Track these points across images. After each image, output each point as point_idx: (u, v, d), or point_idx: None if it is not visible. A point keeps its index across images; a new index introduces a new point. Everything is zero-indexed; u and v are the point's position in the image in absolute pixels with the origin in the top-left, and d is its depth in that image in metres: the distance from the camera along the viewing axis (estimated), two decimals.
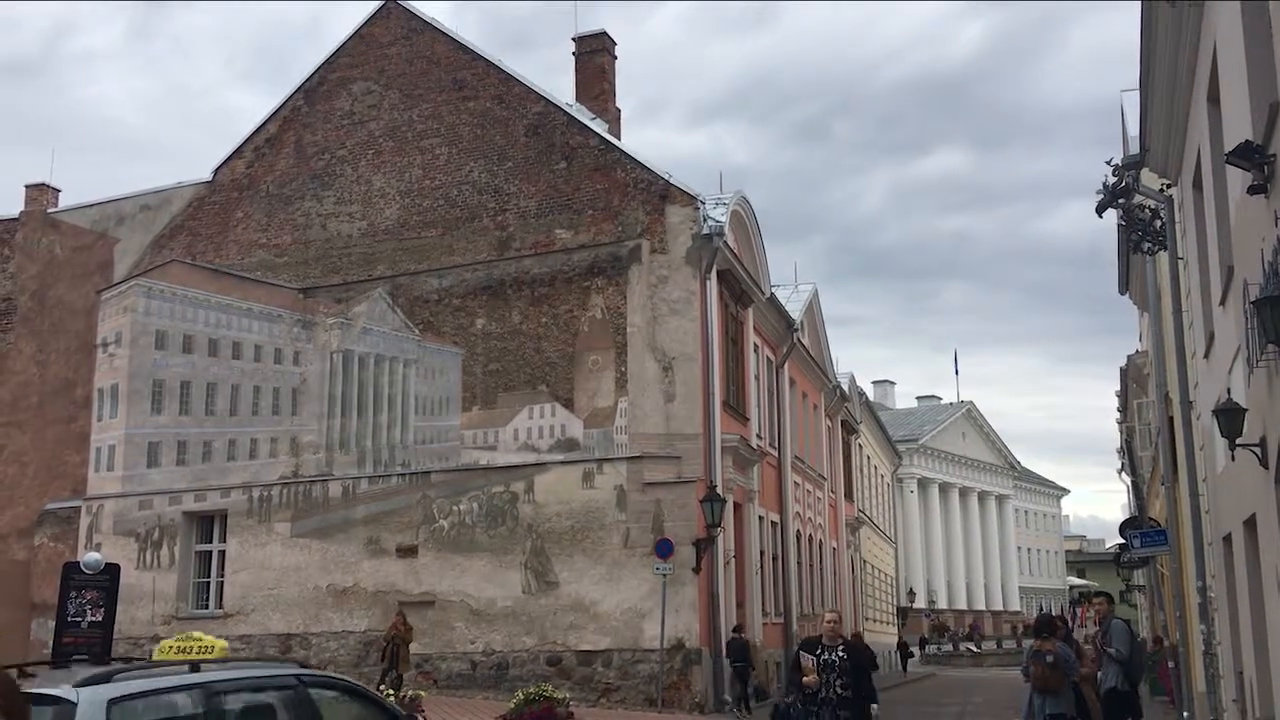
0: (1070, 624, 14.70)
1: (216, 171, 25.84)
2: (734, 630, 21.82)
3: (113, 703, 5.66)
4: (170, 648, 8.47)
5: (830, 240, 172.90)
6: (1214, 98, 9.46)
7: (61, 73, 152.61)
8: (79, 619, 17.13)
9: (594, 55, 26.96)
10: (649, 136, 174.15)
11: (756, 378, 26.51)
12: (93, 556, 18.33)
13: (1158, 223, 14.29)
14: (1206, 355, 11.93)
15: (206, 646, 8.47)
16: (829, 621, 10.26)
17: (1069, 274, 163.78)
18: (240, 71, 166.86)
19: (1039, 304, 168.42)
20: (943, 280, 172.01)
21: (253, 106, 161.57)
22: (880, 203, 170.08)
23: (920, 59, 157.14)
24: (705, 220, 21.71)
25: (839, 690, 9.70)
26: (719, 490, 20.95)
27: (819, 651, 9.89)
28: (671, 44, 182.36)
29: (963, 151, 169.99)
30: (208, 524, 24.72)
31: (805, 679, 9.74)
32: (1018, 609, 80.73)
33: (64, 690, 5.65)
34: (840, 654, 9.87)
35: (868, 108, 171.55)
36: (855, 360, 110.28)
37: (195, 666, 6.47)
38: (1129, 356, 26.93)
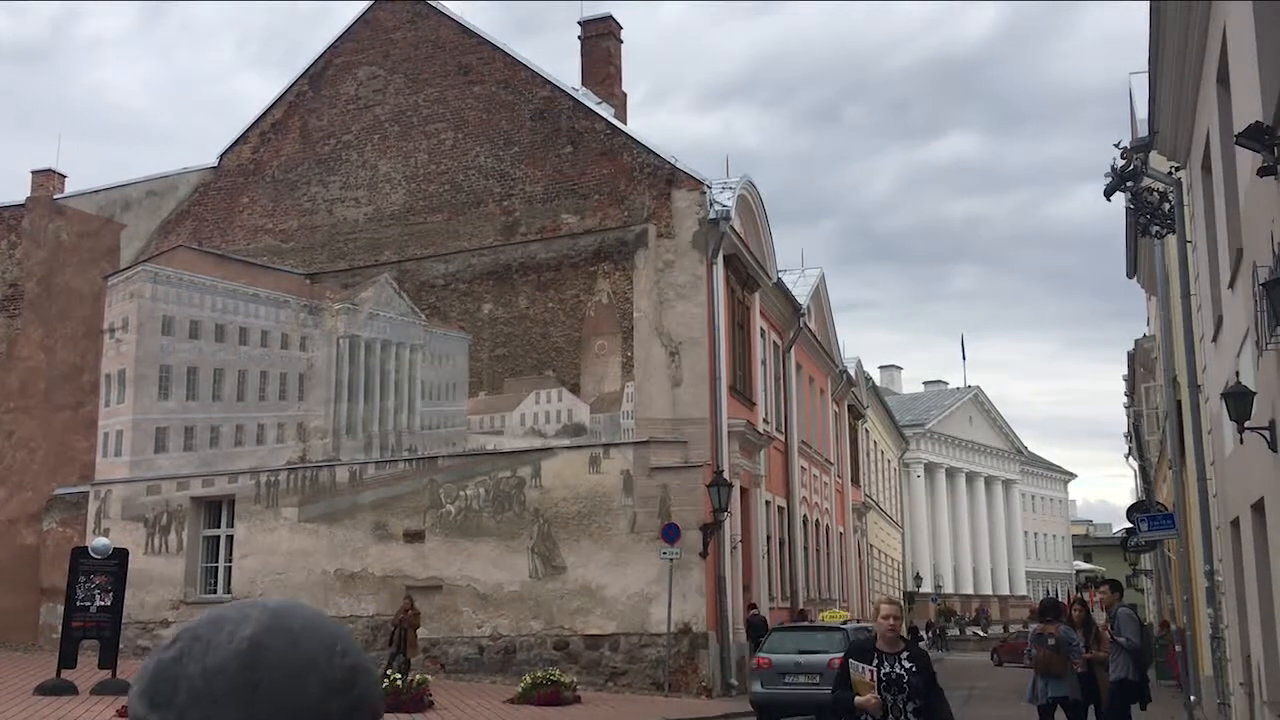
0: (1087, 607, 14.67)
1: (222, 157, 25.81)
2: (750, 608, 22.27)
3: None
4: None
5: (841, 224, 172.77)
6: (1223, 79, 9.40)
7: (69, 58, 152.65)
8: (88, 603, 17.24)
9: (600, 39, 26.85)
10: (661, 121, 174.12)
11: (763, 363, 26.48)
12: (101, 541, 18.44)
13: (1166, 206, 14.23)
14: (1215, 338, 11.90)
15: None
16: (887, 618, 7.15)
17: (1079, 258, 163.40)
18: (250, 57, 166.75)
19: (1048, 288, 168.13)
20: (952, 264, 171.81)
21: (262, 92, 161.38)
22: (891, 187, 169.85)
23: (931, 43, 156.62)
24: (712, 205, 21.65)
25: (911, 718, 6.86)
26: (726, 475, 20.95)
27: (876, 662, 6.92)
28: (682, 28, 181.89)
29: (973, 135, 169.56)
30: (215, 509, 24.78)
31: (861, 700, 6.77)
32: (1024, 594, 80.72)
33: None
34: (906, 663, 6.94)
35: (878, 92, 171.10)
36: (863, 345, 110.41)
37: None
38: (1136, 340, 26.90)
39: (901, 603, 7.34)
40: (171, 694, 1.01)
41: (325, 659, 1.04)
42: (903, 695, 6.84)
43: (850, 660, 7.06)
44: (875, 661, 6.94)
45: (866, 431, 44.57)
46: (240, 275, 24.90)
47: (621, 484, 21.22)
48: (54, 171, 28.50)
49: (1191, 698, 16.86)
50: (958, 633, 61.92)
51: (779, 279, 27.10)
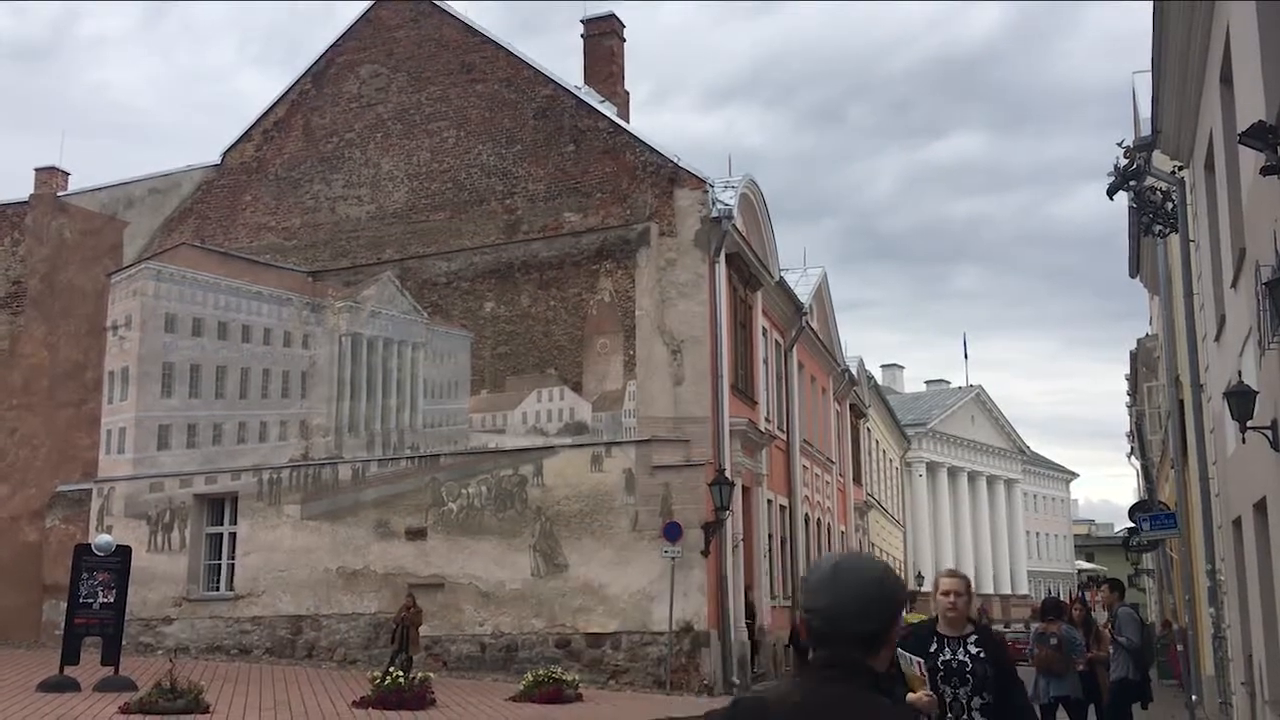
0: (1088, 607, 14.70)
1: (225, 155, 25.82)
2: (746, 589, 22.60)
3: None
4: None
5: (843, 223, 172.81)
6: (1227, 78, 9.40)
7: (72, 56, 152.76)
8: (91, 600, 17.25)
9: (603, 38, 26.88)
10: (663, 120, 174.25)
11: (765, 361, 26.47)
12: (104, 539, 18.45)
13: (1169, 205, 14.25)
14: (1217, 338, 11.90)
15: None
16: (947, 594, 5.98)
17: (1081, 257, 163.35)
18: (252, 56, 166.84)
19: (1050, 288, 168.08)
20: (954, 264, 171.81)
21: (264, 90, 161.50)
22: (893, 186, 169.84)
23: (933, 42, 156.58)
24: (714, 203, 21.65)
25: (977, 715, 5.72)
26: (727, 474, 20.95)
27: (933, 648, 5.84)
28: (685, 27, 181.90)
29: (976, 135, 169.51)
30: (218, 506, 24.80)
31: (913, 697, 5.36)
32: (1026, 593, 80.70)
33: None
34: (971, 649, 5.83)
35: (881, 91, 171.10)
36: (866, 344, 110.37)
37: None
38: (1139, 340, 26.87)
39: (968, 577, 6.13)
40: (809, 588, 2.41)
41: (871, 570, 2.42)
42: (965, 688, 5.68)
43: (899, 649, 5.41)
44: (934, 646, 5.83)
45: (868, 430, 44.56)
46: (243, 273, 24.92)
47: (623, 482, 21.23)
48: (57, 169, 28.49)
49: (1193, 697, 16.87)
50: None
51: (781, 278, 27.10)
